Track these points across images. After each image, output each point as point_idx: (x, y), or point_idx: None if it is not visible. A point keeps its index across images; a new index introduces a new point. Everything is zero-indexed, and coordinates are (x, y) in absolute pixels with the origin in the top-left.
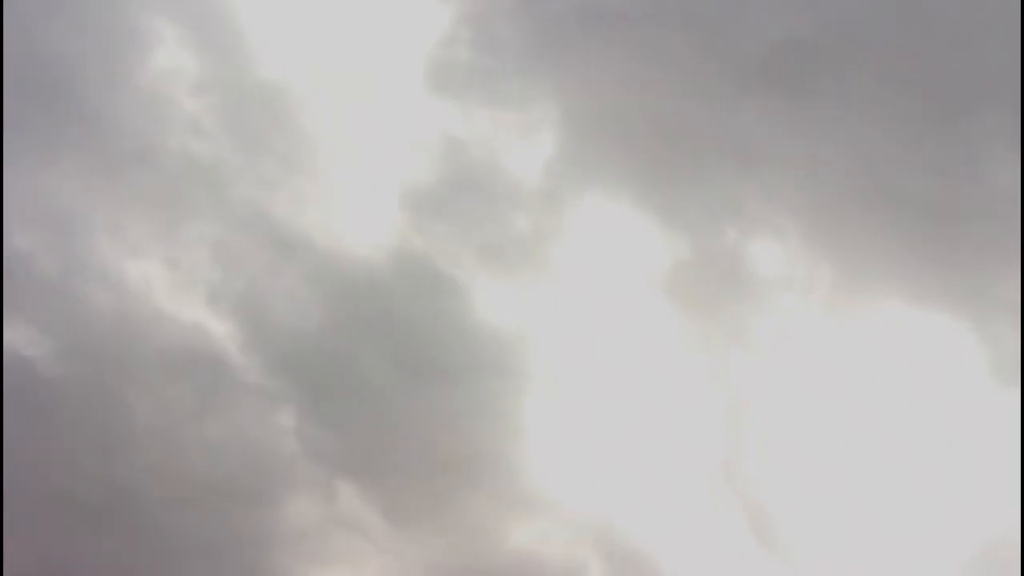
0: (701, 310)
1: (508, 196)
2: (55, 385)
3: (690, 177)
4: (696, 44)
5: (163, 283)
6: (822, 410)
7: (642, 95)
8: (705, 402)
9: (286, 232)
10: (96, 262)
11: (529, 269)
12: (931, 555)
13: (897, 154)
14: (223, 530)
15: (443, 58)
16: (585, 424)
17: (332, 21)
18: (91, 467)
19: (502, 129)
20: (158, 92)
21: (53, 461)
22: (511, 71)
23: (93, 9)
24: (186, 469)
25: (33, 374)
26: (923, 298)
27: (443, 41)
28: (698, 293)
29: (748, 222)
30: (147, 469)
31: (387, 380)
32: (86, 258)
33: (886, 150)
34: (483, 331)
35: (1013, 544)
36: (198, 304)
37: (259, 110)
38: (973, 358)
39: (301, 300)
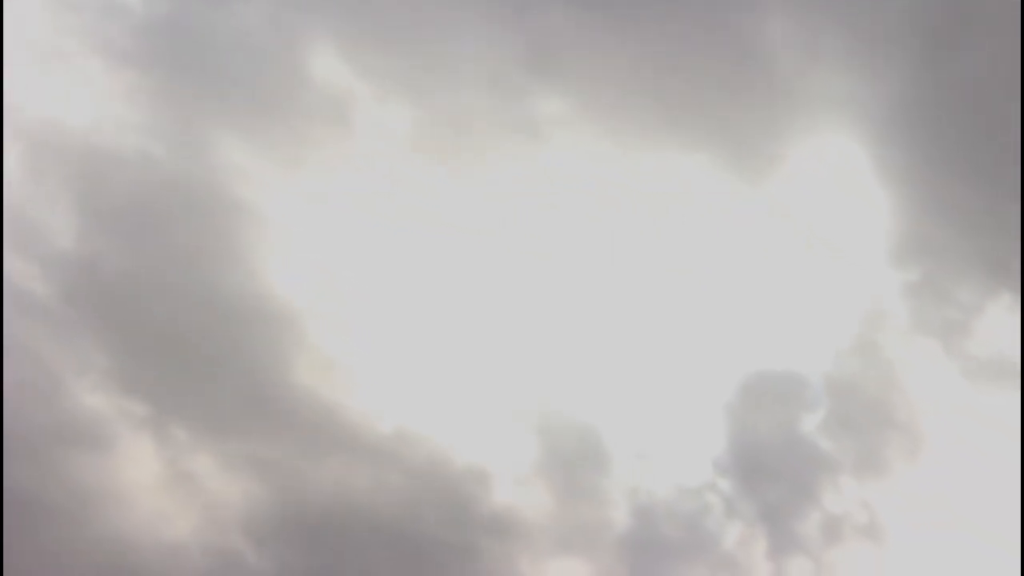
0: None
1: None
2: None
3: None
4: None
5: None
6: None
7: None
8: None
9: (64, 152)
10: None
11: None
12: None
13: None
14: (53, 482)
15: None
16: (403, 352)
17: None
18: None
19: (285, 33)
20: None
21: None
22: None
23: None
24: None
25: None
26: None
27: None
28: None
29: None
30: None
31: (186, 316)
32: None
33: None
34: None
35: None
36: None
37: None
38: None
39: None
